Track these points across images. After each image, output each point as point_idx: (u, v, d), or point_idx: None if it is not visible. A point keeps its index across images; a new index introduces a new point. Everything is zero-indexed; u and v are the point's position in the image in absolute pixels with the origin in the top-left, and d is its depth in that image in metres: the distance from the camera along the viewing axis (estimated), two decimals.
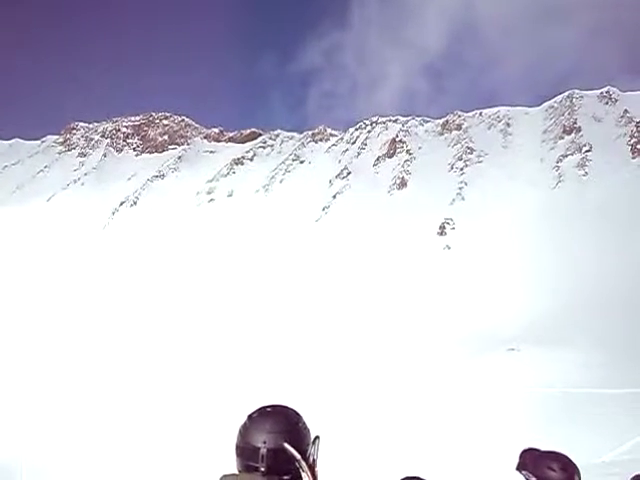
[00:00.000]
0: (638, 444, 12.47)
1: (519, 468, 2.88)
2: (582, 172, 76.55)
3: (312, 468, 1.93)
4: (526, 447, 2.99)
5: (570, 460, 2.74)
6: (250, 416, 2.01)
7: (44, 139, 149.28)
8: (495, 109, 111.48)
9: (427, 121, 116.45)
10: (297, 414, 2.04)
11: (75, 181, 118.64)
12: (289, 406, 2.08)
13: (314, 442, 1.99)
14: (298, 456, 1.86)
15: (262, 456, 1.88)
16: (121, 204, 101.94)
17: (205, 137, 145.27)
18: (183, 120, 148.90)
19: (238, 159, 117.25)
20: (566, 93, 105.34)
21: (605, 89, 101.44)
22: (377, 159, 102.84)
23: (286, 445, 1.88)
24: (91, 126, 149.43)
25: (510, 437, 13.66)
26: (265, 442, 1.90)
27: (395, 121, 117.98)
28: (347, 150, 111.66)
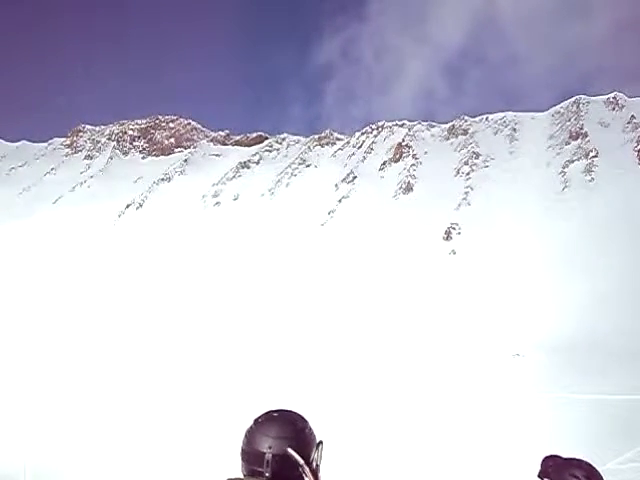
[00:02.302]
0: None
1: (541, 475, 2.85)
2: (588, 178, 76.32)
3: (315, 473, 1.94)
4: (547, 454, 2.96)
5: (594, 467, 2.70)
6: (256, 420, 2.00)
7: (51, 141, 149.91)
8: (501, 114, 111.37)
9: (433, 126, 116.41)
10: (304, 419, 2.03)
11: (81, 183, 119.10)
12: (296, 411, 2.09)
13: (317, 447, 1.98)
14: (301, 461, 1.85)
15: (267, 461, 1.88)
16: (127, 207, 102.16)
17: (211, 140, 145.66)
18: (189, 123, 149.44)
19: (244, 162, 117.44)
20: (573, 99, 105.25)
21: (612, 95, 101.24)
22: (383, 163, 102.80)
23: (289, 450, 1.88)
24: (98, 129, 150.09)
25: (513, 443, 13.62)
26: (270, 447, 1.89)
27: (401, 125, 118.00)
28: (353, 154, 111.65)
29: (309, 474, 1.87)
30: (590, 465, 2.73)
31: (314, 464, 1.95)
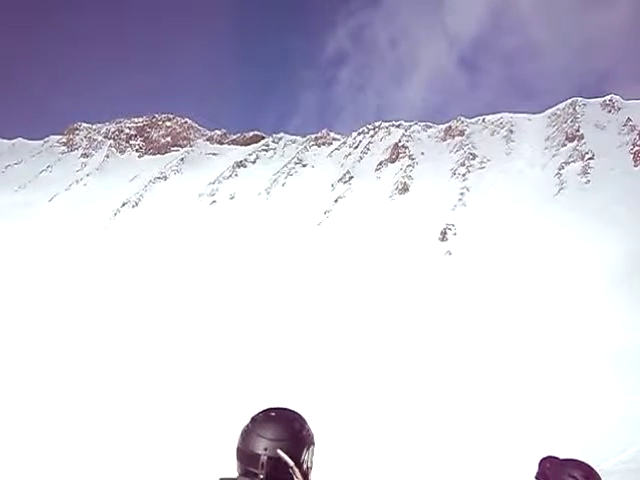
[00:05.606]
0: (638, 453, 12.44)
1: (538, 477, 2.82)
2: (584, 179, 76.56)
3: (306, 475, 1.92)
4: (545, 455, 2.93)
5: (592, 468, 2.67)
6: (253, 419, 1.98)
7: (47, 139, 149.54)
8: (498, 115, 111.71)
9: (430, 126, 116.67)
10: (302, 420, 2.00)
11: (77, 181, 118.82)
12: (294, 410, 2.05)
13: (308, 448, 1.95)
14: (291, 463, 1.83)
15: (262, 463, 1.86)
16: (123, 205, 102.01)
17: (208, 139, 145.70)
18: (186, 122, 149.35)
19: (241, 162, 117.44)
20: (569, 100, 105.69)
21: (608, 97, 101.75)
22: (379, 164, 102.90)
23: (279, 451, 1.86)
24: (94, 127, 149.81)
25: (509, 444, 13.65)
26: (266, 449, 1.87)
27: (398, 126, 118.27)
28: (350, 154, 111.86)
29: (299, 476, 1.86)
30: (588, 466, 2.70)
31: (305, 466, 1.92)
